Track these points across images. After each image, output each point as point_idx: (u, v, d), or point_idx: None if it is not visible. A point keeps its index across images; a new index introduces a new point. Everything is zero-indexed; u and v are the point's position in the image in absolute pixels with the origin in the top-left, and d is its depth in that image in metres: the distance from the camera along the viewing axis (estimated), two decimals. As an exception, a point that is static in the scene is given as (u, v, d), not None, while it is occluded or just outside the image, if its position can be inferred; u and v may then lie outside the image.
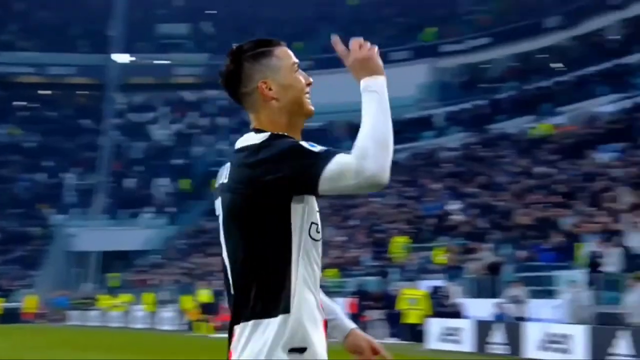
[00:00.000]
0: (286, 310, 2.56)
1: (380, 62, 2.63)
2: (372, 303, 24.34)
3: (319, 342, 2.60)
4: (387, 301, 23.85)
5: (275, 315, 2.55)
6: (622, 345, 15.55)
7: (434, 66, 47.09)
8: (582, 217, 23.78)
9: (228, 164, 2.71)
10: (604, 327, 16.95)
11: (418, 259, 27.66)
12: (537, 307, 19.90)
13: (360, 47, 2.64)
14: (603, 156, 28.84)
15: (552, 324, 18.24)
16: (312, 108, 2.76)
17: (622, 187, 24.40)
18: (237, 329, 2.60)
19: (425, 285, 23.78)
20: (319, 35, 54.67)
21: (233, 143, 2.84)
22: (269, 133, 2.64)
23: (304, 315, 2.58)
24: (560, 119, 35.22)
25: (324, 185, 2.49)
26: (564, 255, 21.80)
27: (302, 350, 2.55)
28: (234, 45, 2.76)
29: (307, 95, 2.76)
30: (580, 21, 40.47)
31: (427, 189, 35.19)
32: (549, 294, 20.93)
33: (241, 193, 2.59)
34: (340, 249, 31.72)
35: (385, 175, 2.48)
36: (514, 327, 18.66)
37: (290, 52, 2.78)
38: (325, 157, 2.50)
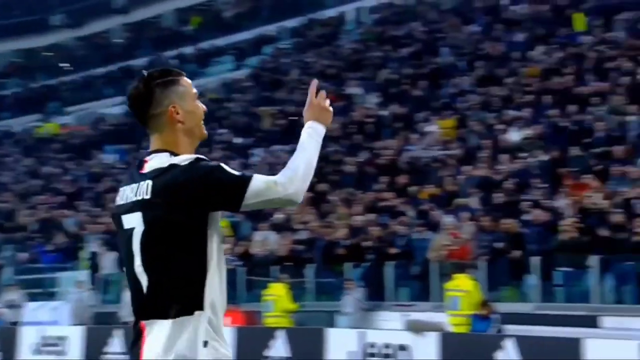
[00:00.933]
0: (201, 307, 3.01)
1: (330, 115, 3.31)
2: None
3: (224, 334, 3.10)
4: None
5: (192, 313, 2.99)
6: (116, 343, 15.99)
7: None
8: (87, 217, 23.93)
9: (140, 183, 3.07)
10: (100, 326, 17.28)
11: None
12: (37, 310, 19.55)
13: (323, 99, 3.30)
14: (108, 157, 29.36)
15: (49, 326, 18.08)
16: (206, 132, 3.27)
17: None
18: (155, 325, 2.99)
19: None
20: None
21: None
22: (194, 156, 3.07)
23: (217, 312, 3.06)
24: (68, 118, 35.09)
25: (248, 201, 2.98)
26: (68, 257, 21.73)
27: (215, 340, 3.02)
28: (145, 72, 3.22)
29: (202, 122, 3.26)
30: (84, 22, 40.70)
31: None
32: (51, 296, 20.70)
33: (169, 208, 2.98)
34: None
35: (302, 196, 3.07)
36: (9, 332, 18.12)
37: (191, 82, 3.26)
38: (247, 177, 3.01)
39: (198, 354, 2.96)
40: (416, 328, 14.07)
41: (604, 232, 14.44)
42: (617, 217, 14.36)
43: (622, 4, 22.07)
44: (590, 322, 13.76)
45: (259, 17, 34.16)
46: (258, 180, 3.00)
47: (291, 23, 32.41)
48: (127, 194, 3.13)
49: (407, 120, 21.67)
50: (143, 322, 3.04)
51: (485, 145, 18.77)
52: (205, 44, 34.23)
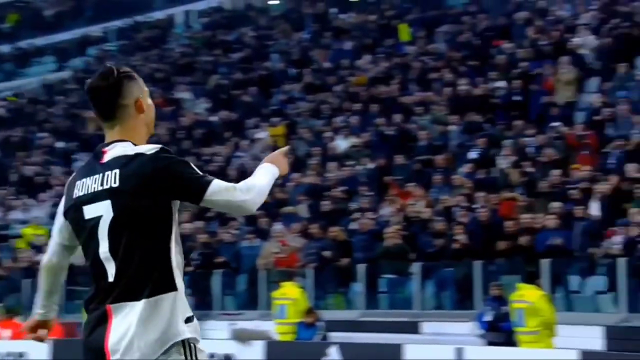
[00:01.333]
0: (174, 288, 3.21)
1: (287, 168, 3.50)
2: None
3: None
4: None
5: (166, 292, 3.17)
6: None
7: None
8: None
9: (105, 172, 3.22)
10: None
11: None
12: None
13: (285, 155, 3.51)
14: None
15: None
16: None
17: None
18: (126, 307, 3.14)
19: None
20: None
21: None
22: (159, 145, 3.26)
23: (183, 292, 3.25)
24: None
25: (208, 196, 3.18)
26: None
27: (191, 319, 3.22)
28: (111, 65, 3.37)
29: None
30: None
31: None
32: None
33: (137, 196, 3.15)
34: None
35: (255, 208, 3.29)
36: None
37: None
38: (210, 177, 3.23)
39: (179, 329, 3.15)
40: (242, 337, 13.90)
41: (425, 240, 14.80)
42: (438, 225, 14.75)
43: (442, 16, 22.85)
44: (411, 327, 14.08)
45: (82, 17, 33.01)
46: (219, 182, 3.22)
47: (117, 24, 31.51)
48: (89, 184, 3.26)
49: (236, 127, 21.50)
50: (109, 306, 3.17)
51: (314, 152, 18.89)
52: (23, 43, 32.72)
